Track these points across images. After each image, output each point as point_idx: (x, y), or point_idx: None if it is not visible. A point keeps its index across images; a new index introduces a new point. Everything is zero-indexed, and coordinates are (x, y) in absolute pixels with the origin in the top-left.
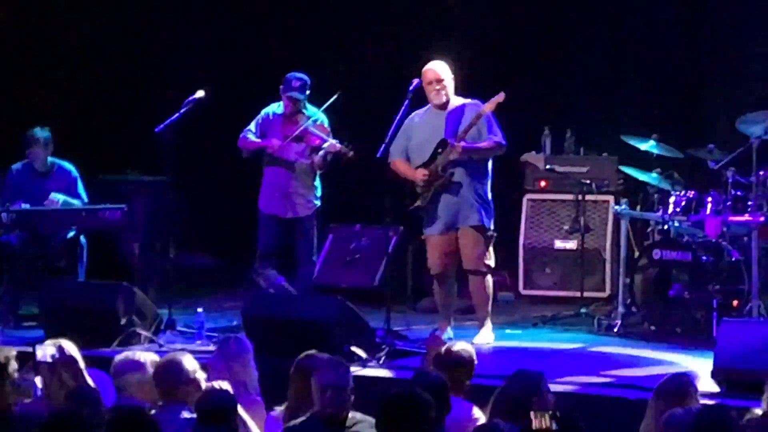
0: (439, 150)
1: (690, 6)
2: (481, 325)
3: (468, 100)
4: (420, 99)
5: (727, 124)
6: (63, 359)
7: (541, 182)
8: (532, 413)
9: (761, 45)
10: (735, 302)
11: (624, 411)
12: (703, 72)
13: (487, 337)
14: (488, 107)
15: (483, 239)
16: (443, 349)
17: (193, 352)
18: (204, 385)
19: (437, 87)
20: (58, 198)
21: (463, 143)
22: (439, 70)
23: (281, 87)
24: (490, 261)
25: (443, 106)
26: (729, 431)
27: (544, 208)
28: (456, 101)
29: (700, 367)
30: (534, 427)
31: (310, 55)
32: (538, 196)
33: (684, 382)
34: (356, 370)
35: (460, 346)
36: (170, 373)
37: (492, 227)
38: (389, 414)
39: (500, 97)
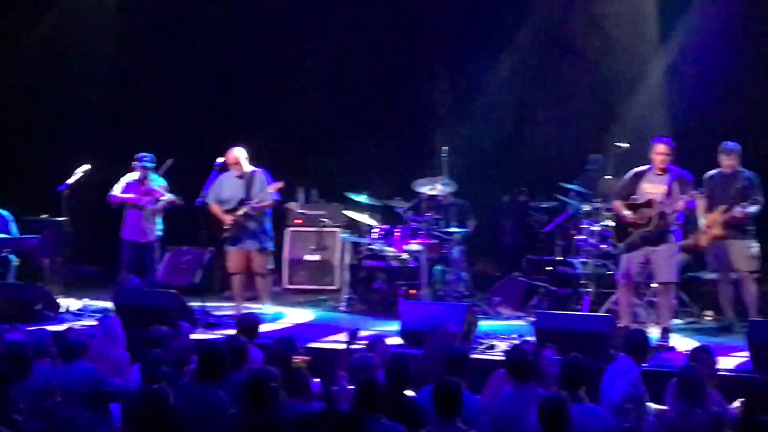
0: (239, 204)
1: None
2: (264, 303)
3: (258, 170)
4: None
5: (406, 184)
6: None
7: (297, 220)
8: (294, 360)
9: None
10: (413, 291)
11: (347, 356)
12: (397, 154)
13: (270, 307)
14: (272, 189)
15: (266, 254)
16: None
17: (82, 326)
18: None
19: (236, 165)
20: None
21: (253, 203)
22: (237, 153)
23: (135, 162)
24: (271, 266)
25: (241, 176)
26: (406, 370)
27: (299, 236)
28: (249, 168)
29: (391, 330)
30: (294, 366)
31: (154, 136)
32: (296, 228)
33: (376, 338)
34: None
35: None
36: (67, 337)
37: (272, 247)
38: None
39: (280, 184)
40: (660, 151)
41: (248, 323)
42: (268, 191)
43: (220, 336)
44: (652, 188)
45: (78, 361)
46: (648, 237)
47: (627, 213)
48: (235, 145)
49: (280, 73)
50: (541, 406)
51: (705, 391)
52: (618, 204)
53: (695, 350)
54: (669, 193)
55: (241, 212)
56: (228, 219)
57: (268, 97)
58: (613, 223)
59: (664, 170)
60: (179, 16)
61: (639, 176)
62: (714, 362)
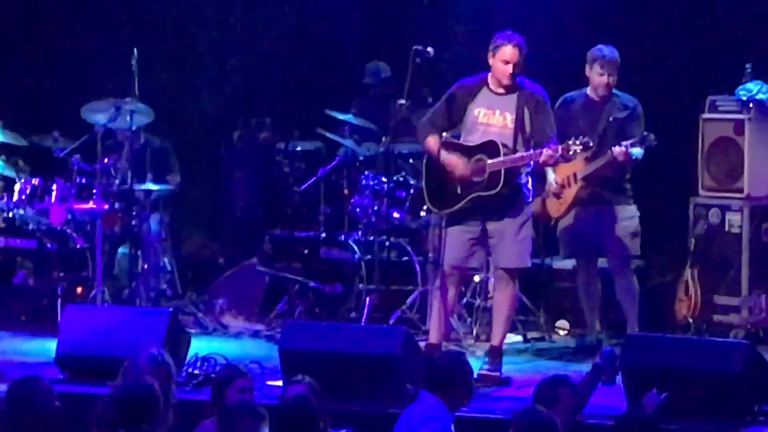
0: None
1: None
2: None
3: None
4: None
5: (72, 112)
6: None
7: None
8: None
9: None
10: (79, 289)
11: None
12: (48, 60)
13: None
14: None
15: None
16: None
17: None
18: None
19: None
20: None
21: None
22: None
23: None
24: None
25: None
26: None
27: None
28: None
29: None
30: None
31: None
32: None
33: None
34: None
35: None
36: None
37: None
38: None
39: None
40: (507, 57)
41: None
42: None
43: None
44: (490, 116)
45: None
46: (487, 203)
47: (451, 158)
48: None
49: None
50: None
51: None
52: (433, 141)
53: (545, 384)
54: (520, 126)
55: None
56: None
57: None
58: (424, 178)
59: (510, 87)
60: None
61: (468, 94)
62: (576, 403)
